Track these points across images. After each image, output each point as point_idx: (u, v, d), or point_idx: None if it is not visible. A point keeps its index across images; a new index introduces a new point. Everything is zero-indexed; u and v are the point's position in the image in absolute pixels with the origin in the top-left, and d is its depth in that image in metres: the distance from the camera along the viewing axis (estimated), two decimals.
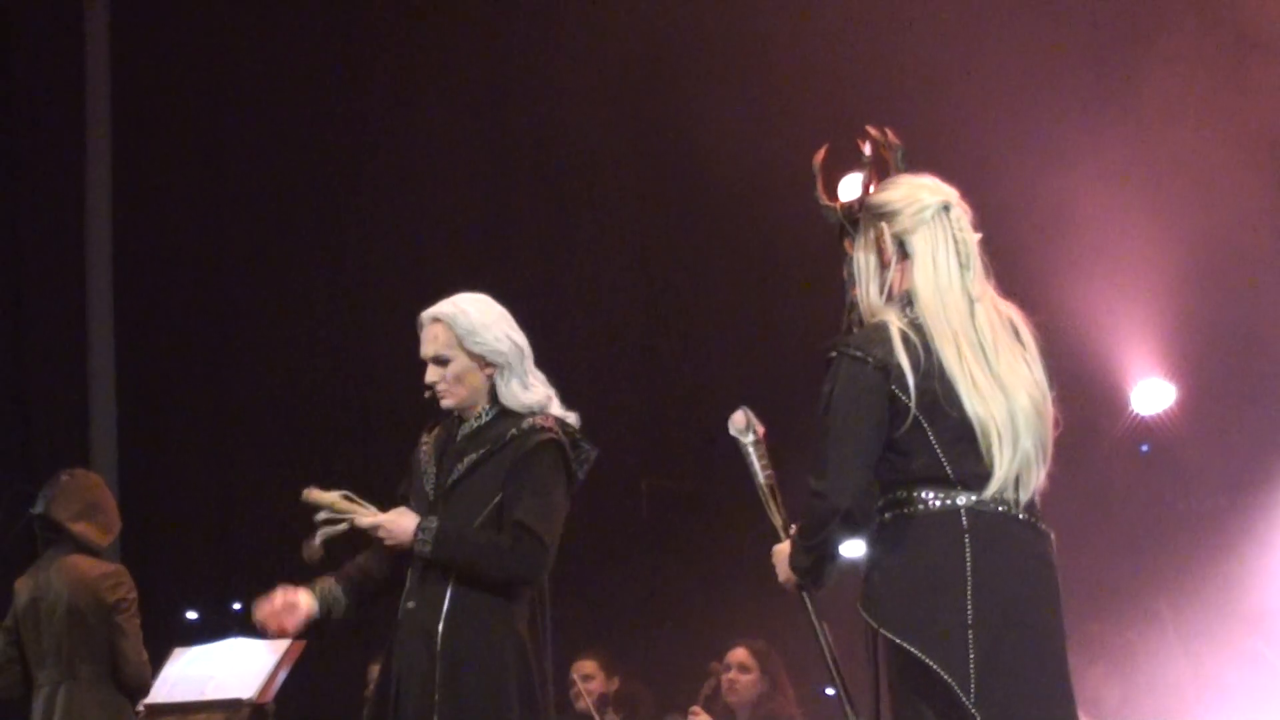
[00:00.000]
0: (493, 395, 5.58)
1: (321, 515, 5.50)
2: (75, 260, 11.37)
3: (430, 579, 5.44)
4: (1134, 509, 9.95)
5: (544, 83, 11.20)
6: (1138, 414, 9.91)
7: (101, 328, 11.32)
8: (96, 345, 11.30)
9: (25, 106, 11.39)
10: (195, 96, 11.66)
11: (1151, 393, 9.83)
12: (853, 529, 4.58)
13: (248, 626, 8.89)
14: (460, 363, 5.53)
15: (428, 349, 5.56)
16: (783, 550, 4.73)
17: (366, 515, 5.48)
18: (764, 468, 4.89)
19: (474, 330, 5.53)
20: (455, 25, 11.14)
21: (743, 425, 4.92)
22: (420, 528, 5.38)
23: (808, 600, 4.82)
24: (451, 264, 10.64)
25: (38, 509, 7.73)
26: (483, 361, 5.54)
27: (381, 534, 5.43)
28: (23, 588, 7.72)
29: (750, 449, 4.91)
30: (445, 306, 5.59)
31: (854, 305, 4.71)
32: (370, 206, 11.44)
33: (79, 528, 7.68)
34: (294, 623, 5.58)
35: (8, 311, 11.11)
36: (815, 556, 4.62)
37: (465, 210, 11.27)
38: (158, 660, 7.55)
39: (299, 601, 5.58)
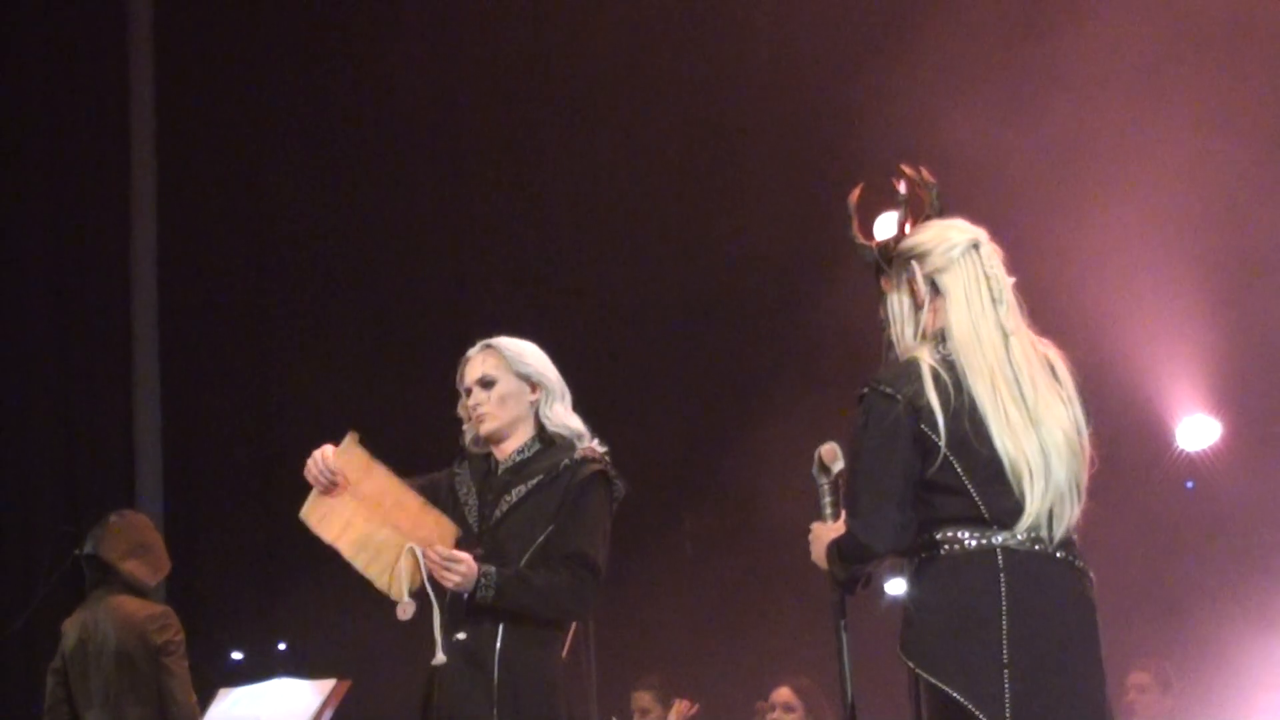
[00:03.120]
0: (536, 427, 5.62)
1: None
2: (121, 302, 11.41)
3: (480, 609, 5.44)
4: (1180, 545, 9.92)
5: (582, 129, 11.24)
6: (1183, 450, 9.89)
7: (147, 369, 11.36)
8: (142, 386, 11.34)
9: (71, 152, 11.47)
10: (239, 132, 11.72)
11: (1197, 429, 9.82)
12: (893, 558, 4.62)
13: (293, 667, 8.95)
14: (507, 384, 5.60)
15: (475, 372, 5.63)
16: (823, 532, 4.74)
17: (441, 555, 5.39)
18: (832, 515, 4.89)
19: (523, 354, 5.63)
20: (499, 65, 11.19)
21: (816, 466, 4.93)
22: (482, 573, 5.38)
23: (841, 601, 4.87)
24: (493, 307, 10.69)
25: (87, 549, 7.74)
26: (530, 384, 5.61)
27: (447, 574, 5.35)
28: (70, 628, 7.74)
29: (824, 490, 4.92)
30: (495, 339, 5.69)
31: (891, 345, 4.73)
32: (416, 255, 11.48)
33: (128, 567, 7.69)
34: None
35: (54, 354, 11.17)
36: (850, 577, 4.66)
37: (508, 250, 11.30)
38: (203, 701, 7.56)
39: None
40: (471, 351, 5.70)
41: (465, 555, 5.36)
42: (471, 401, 5.62)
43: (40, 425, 11.05)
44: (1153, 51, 9.35)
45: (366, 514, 5.47)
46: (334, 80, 11.45)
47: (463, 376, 5.68)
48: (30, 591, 9.20)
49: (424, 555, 5.37)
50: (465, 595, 5.37)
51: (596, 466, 5.54)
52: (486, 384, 5.60)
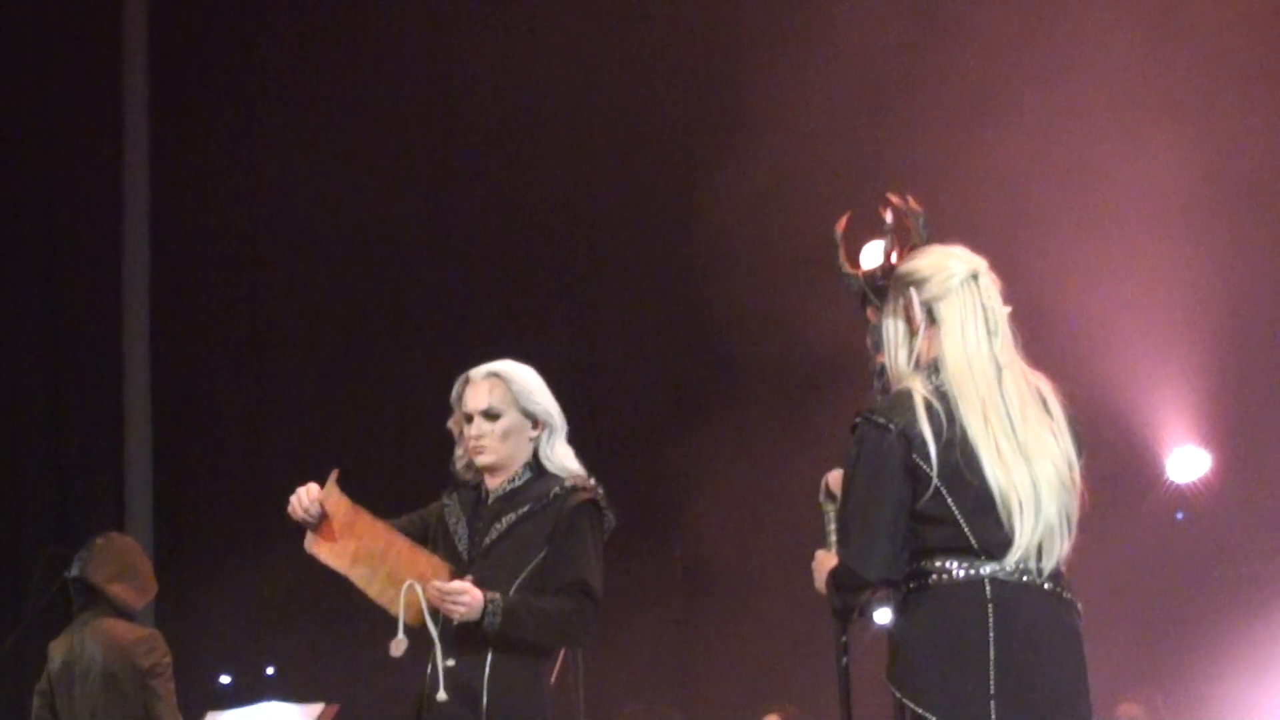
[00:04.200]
0: (532, 458, 5.60)
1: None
2: (112, 321, 11.40)
3: (469, 636, 5.43)
4: (1169, 577, 9.92)
5: (577, 145, 11.24)
6: (1173, 482, 9.91)
7: (138, 391, 11.35)
8: (133, 408, 11.33)
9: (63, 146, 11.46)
10: (235, 131, 11.70)
11: (1186, 461, 9.84)
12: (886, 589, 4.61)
13: (281, 691, 8.93)
14: (511, 419, 5.57)
15: (479, 402, 5.58)
16: (826, 561, 4.71)
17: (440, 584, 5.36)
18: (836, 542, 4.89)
19: (531, 390, 5.60)
20: (494, 84, 11.19)
21: (823, 493, 4.92)
22: (487, 600, 5.36)
23: (842, 631, 4.88)
24: (484, 327, 10.69)
25: (73, 571, 7.73)
26: (534, 421, 5.59)
27: (453, 606, 5.32)
28: (57, 651, 7.73)
29: (830, 518, 4.91)
30: (500, 365, 5.64)
31: (881, 371, 4.72)
32: (410, 261, 11.46)
33: (114, 590, 7.68)
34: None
35: (44, 374, 11.16)
36: (845, 607, 4.66)
37: (501, 269, 11.28)
38: None
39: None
40: (476, 375, 5.64)
41: (467, 585, 5.34)
42: (474, 432, 5.57)
43: (30, 447, 11.04)
44: (1142, 80, 9.37)
45: (368, 548, 5.46)
46: (333, 79, 11.42)
47: (463, 398, 5.64)
48: (19, 613, 9.18)
49: (424, 591, 5.34)
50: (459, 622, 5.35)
51: (586, 495, 5.53)
52: (491, 416, 5.56)
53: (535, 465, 5.61)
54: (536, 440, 5.60)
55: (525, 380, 5.60)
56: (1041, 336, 4.68)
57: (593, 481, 5.61)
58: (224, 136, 11.66)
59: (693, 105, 10.90)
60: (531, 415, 5.58)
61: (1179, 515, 10.06)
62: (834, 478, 4.89)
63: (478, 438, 5.57)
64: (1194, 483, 9.89)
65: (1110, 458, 8.90)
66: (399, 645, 5.35)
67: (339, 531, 5.46)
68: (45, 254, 11.31)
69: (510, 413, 5.57)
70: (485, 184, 11.29)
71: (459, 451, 5.68)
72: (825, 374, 8.80)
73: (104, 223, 11.46)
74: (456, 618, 5.32)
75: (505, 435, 5.56)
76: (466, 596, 5.30)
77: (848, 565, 4.53)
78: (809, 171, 9.40)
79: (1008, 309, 4.63)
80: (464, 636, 5.41)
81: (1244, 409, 9.63)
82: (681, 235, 10.70)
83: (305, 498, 5.47)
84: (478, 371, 5.64)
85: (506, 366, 5.63)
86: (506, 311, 11.02)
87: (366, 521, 5.50)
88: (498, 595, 5.35)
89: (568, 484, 5.55)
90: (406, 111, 11.31)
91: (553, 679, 5.58)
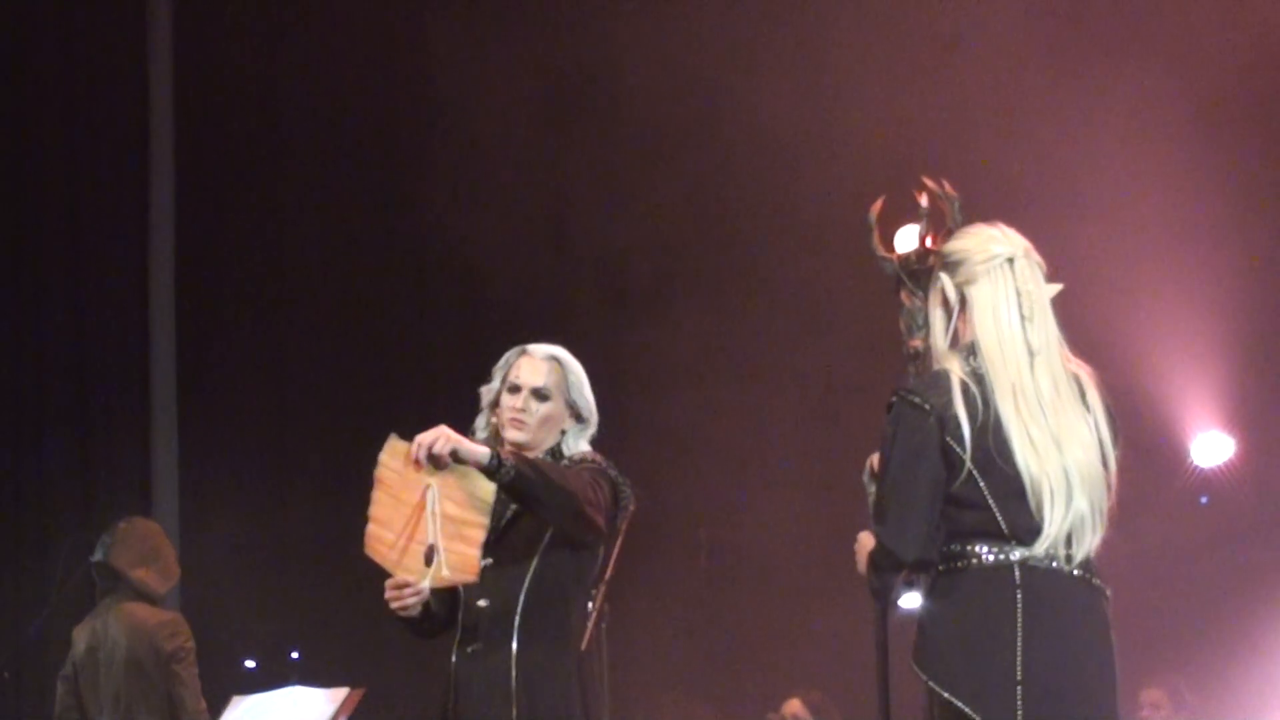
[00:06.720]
0: (555, 446, 5.61)
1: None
2: (138, 310, 11.42)
3: (494, 622, 5.43)
4: (1194, 561, 9.92)
5: (606, 131, 11.25)
6: (1197, 466, 9.91)
7: (163, 376, 11.37)
8: (158, 393, 11.35)
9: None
10: (257, 119, 11.73)
11: (1211, 445, 9.85)
12: (921, 571, 4.60)
13: (306, 675, 8.93)
14: (555, 405, 5.58)
15: (535, 379, 5.57)
16: (868, 541, 4.69)
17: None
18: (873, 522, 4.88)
19: (582, 384, 5.62)
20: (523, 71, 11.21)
21: (867, 474, 4.92)
22: (493, 450, 5.22)
23: (883, 613, 4.88)
24: (515, 305, 10.71)
25: (97, 556, 7.75)
26: (576, 415, 5.61)
27: (442, 444, 5.18)
28: (80, 636, 7.75)
29: (874, 498, 4.91)
30: (560, 351, 5.65)
31: (914, 355, 4.71)
32: (433, 226, 11.48)
33: (138, 574, 7.70)
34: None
35: (71, 361, 11.17)
36: (884, 587, 4.65)
37: (520, 261, 11.29)
38: (216, 709, 7.57)
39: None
40: (537, 352, 5.64)
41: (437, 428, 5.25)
42: (518, 405, 5.55)
43: (57, 432, 11.06)
44: (1167, 73, 9.37)
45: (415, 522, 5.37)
46: (348, 82, 11.43)
47: (516, 368, 5.61)
48: (44, 598, 9.21)
49: (431, 468, 5.21)
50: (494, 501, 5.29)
51: (594, 465, 5.53)
52: (541, 397, 5.56)
53: (555, 452, 5.61)
54: (565, 433, 5.62)
55: (579, 373, 5.63)
56: (1066, 322, 4.67)
57: (613, 471, 5.60)
58: (247, 86, 11.68)
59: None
60: (575, 409, 5.61)
61: (1203, 500, 10.08)
62: (879, 458, 4.89)
63: (520, 411, 5.56)
64: (1218, 467, 9.90)
65: (1135, 442, 8.87)
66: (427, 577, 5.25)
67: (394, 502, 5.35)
68: (71, 243, 11.32)
69: (557, 399, 5.58)
70: (523, 184, 11.31)
71: (482, 421, 5.67)
72: (856, 367, 8.78)
73: (130, 202, 11.49)
74: (470, 454, 5.17)
75: (545, 420, 5.57)
76: (452, 433, 5.20)
77: (884, 545, 4.53)
78: None
79: (1058, 287, 4.60)
80: (487, 622, 5.41)
81: (1268, 394, 9.65)
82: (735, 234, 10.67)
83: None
84: (539, 349, 5.64)
85: (566, 354, 5.65)
86: (532, 300, 11.02)
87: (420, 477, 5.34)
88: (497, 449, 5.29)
89: (575, 459, 5.55)
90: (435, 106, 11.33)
91: (584, 642, 5.58)
